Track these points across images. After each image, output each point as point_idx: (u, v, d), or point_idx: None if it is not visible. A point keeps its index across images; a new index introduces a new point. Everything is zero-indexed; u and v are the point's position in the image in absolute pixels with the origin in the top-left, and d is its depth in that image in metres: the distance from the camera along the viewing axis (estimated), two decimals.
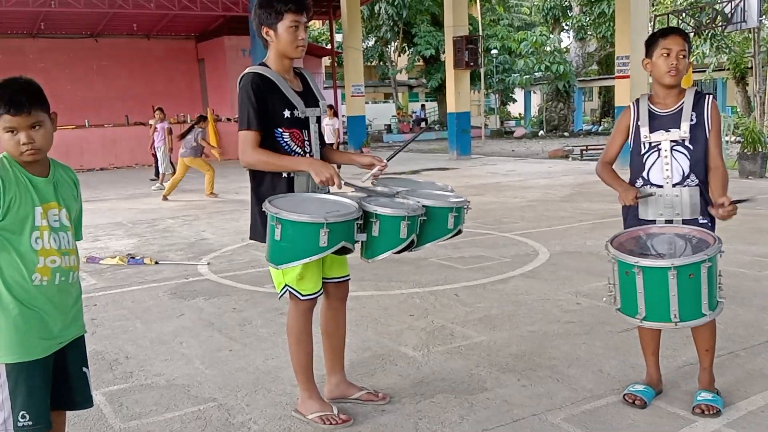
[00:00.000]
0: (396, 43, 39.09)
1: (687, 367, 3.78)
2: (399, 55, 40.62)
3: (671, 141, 3.26)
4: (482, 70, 29.45)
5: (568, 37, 39.58)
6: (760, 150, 13.19)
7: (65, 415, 2.56)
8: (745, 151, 13.31)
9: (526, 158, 20.79)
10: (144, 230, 9.44)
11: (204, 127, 12.81)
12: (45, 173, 2.36)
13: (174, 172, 15.13)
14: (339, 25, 26.61)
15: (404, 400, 3.50)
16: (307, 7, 3.21)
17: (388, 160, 3.36)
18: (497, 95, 39.90)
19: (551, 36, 35.84)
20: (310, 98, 3.32)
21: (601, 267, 6.18)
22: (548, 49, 34.82)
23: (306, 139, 3.26)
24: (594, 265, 6.32)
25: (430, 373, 3.85)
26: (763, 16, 18.85)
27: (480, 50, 21.32)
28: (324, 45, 33.61)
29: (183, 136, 12.74)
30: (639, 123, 3.34)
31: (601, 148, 21.82)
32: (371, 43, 39.37)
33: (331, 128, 16.11)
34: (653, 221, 3.28)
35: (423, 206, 3.13)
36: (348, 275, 3.44)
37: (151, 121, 15.47)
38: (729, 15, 18.35)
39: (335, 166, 3.24)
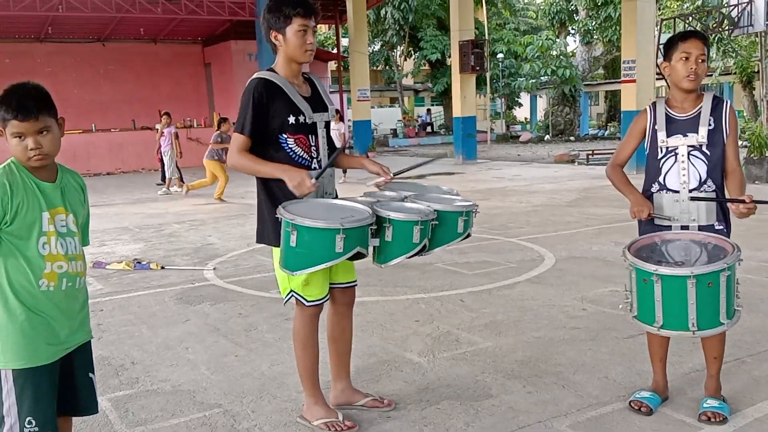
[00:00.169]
0: (402, 48, 39.14)
1: (693, 374, 3.77)
2: (405, 60, 40.65)
3: (688, 146, 3.23)
4: (488, 75, 29.49)
5: (575, 41, 39.58)
6: (766, 154, 13.15)
7: (71, 421, 2.57)
8: (752, 155, 13.28)
9: (532, 163, 20.77)
10: (150, 235, 9.46)
11: (224, 131, 12.81)
12: (52, 178, 2.37)
13: (180, 177, 15.20)
14: (345, 30, 26.65)
15: (409, 407, 3.50)
16: (316, 12, 3.22)
17: (394, 174, 3.37)
18: (503, 99, 39.89)
19: (557, 40, 35.84)
20: (318, 103, 3.32)
21: (607, 272, 6.17)
22: (554, 53, 34.83)
23: (313, 144, 3.27)
24: (600, 270, 6.31)
25: (436, 380, 3.85)
26: None
27: (486, 54, 21.34)
28: (330, 49, 33.71)
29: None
30: (656, 127, 3.32)
31: (608, 153, 21.84)
32: (377, 47, 39.42)
33: (337, 133, 16.12)
34: (668, 227, 3.25)
35: (434, 210, 3.13)
36: (355, 281, 3.44)
37: (158, 126, 15.49)
38: (736, 19, 18.33)
39: (333, 170, 3.24)
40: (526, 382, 3.76)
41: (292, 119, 3.19)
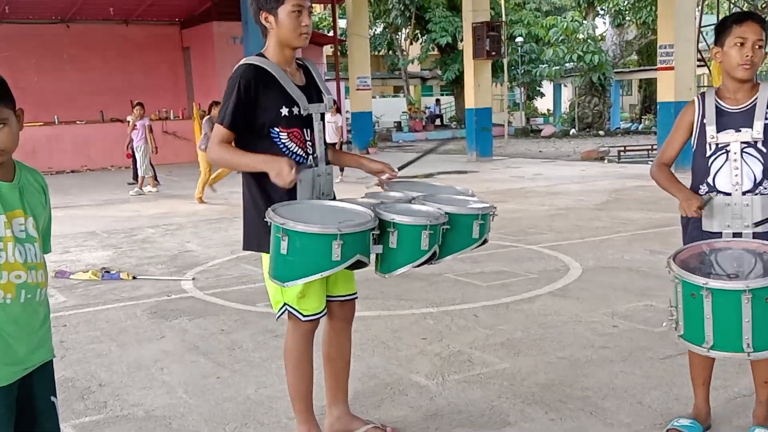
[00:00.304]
0: (407, 30, 39.22)
1: (739, 399, 3.77)
2: (411, 44, 40.73)
3: (742, 142, 3.22)
4: (505, 61, 29.53)
5: (604, 23, 39.67)
6: None
7: None
8: None
9: (556, 160, 20.80)
10: (120, 241, 9.48)
11: (214, 116, 12.88)
12: (9, 177, 2.37)
13: (155, 175, 15.23)
14: (343, 10, 26.71)
15: None
16: None
17: (399, 170, 3.37)
18: (522, 89, 39.94)
19: (584, 22, 35.88)
20: (313, 93, 3.34)
21: (642, 285, 6.17)
22: (581, 36, 34.86)
23: (308, 139, 3.27)
24: (633, 282, 6.31)
25: (445, 405, 3.85)
26: None
27: (503, 38, 21.41)
28: (325, 32, 33.77)
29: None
30: (705, 121, 3.31)
31: (642, 150, 21.84)
32: (379, 29, 39.51)
33: (333, 126, 16.15)
34: (719, 234, 3.24)
35: (445, 213, 3.13)
36: (355, 293, 3.45)
37: (129, 118, 15.51)
38: None
39: (337, 169, 3.25)
40: (548, 409, 3.76)
41: (285, 111, 3.20)
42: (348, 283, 3.40)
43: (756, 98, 3.25)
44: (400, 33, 40.12)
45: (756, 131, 3.21)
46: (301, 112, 3.23)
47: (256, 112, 3.16)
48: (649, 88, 38.40)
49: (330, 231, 2.84)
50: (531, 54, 36.92)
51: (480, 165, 19.27)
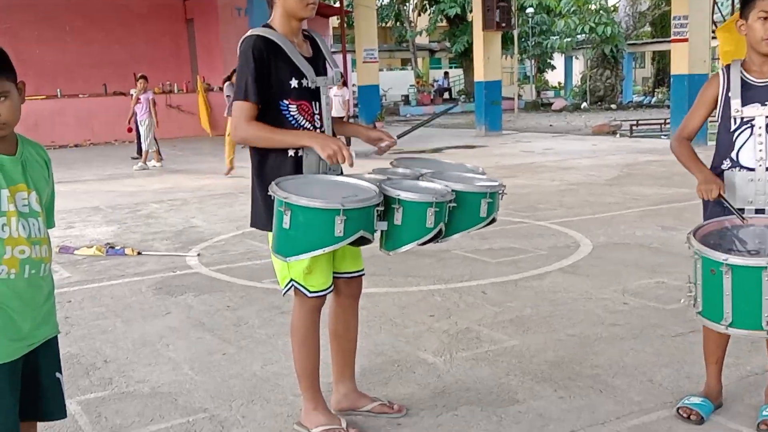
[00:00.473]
0: (415, 1, 38.96)
1: (751, 377, 3.78)
2: (419, 15, 40.48)
3: (767, 117, 3.21)
4: (516, 32, 29.33)
5: None
6: None
7: (36, 426, 2.60)
8: None
9: (567, 135, 20.72)
10: (125, 216, 9.51)
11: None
12: (12, 151, 2.37)
13: (158, 150, 15.23)
14: None
15: (423, 413, 3.52)
16: None
17: (398, 138, 3.35)
18: (533, 61, 39.72)
19: None
20: (321, 65, 3.32)
21: (653, 261, 6.17)
22: (593, 7, 34.62)
23: (316, 112, 3.27)
24: (644, 258, 6.30)
25: (453, 382, 3.87)
26: None
27: (513, 9, 21.25)
28: (332, 3, 33.56)
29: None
30: (729, 94, 3.27)
31: (655, 124, 21.68)
32: (386, 0, 39.24)
33: (340, 99, 16.12)
34: (741, 210, 3.21)
35: (452, 191, 3.12)
36: (362, 270, 3.45)
37: (133, 91, 15.48)
38: None
39: (343, 139, 3.24)
40: (557, 386, 3.78)
41: (294, 83, 3.18)
42: (355, 259, 3.40)
43: None
44: (408, 4, 39.88)
45: None
46: (309, 85, 3.22)
47: (270, 84, 3.15)
48: (662, 60, 38.14)
49: (333, 206, 2.84)
50: (542, 25, 36.68)
51: (489, 140, 19.20)
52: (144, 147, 15.06)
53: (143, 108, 14.89)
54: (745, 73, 3.27)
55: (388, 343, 4.48)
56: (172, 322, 5.08)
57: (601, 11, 34.41)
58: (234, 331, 4.82)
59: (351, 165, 3.12)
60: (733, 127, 3.26)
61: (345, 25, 27.08)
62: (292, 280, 3.20)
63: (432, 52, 46.11)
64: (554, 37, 35.75)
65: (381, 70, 29.66)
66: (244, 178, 12.06)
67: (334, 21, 30.78)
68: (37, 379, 2.46)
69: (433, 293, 5.50)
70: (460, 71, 41.42)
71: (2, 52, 2.32)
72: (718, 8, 19.95)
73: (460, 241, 6.76)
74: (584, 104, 33.61)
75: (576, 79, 42.26)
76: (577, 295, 5.34)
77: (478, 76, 20.73)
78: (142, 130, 14.99)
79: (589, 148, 16.28)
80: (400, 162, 3.56)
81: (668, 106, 23.32)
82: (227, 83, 13.13)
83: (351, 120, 19.58)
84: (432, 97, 37.31)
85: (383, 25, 39.15)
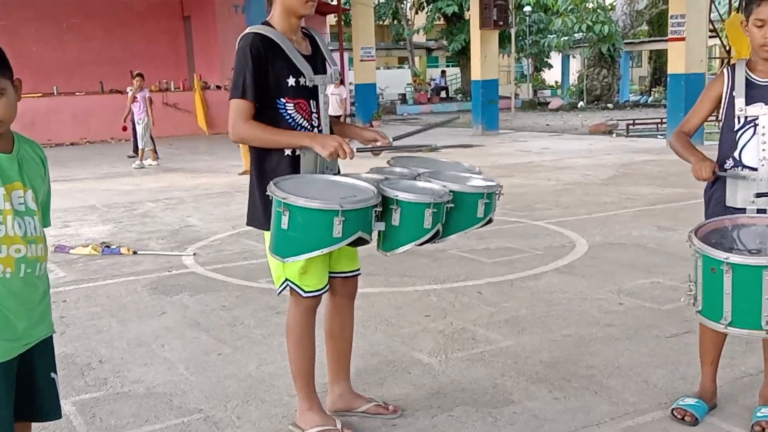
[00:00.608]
0: None
1: (746, 378, 3.79)
2: (416, 13, 40.46)
3: None
4: (513, 31, 29.31)
5: None
6: None
7: (30, 427, 2.60)
8: None
9: (563, 134, 20.73)
10: (121, 215, 9.50)
11: None
12: (8, 149, 2.37)
13: (154, 148, 15.20)
14: None
15: (418, 414, 3.52)
16: None
17: (394, 140, 3.36)
18: (530, 60, 39.72)
19: None
20: (319, 63, 3.32)
21: (649, 261, 6.18)
22: (590, 5, 34.62)
23: (314, 110, 3.26)
24: (640, 259, 6.31)
25: (449, 383, 3.87)
26: None
27: (511, 7, 21.25)
28: (329, 1, 33.53)
29: None
30: (734, 93, 3.27)
31: (652, 123, 21.65)
32: None
33: (337, 98, 16.14)
34: (743, 210, 3.21)
35: (450, 191, 3.13)
36: (358, 269, 3.45)
37: (129, 89, 15.45)
38: None
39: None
40: (552, 387, 3.78)
41: (291, 81, 3.18)
42: (351, 259, 3.40)
43: None
44: (405, 2, 39.84)
45: None
46: (307, 83, 3.22)
47: (267, 82, 3.15)
48: (659, 59, 38.19)
49: (332, 207, 2.84)
50: (539, 24, 36.70)
51: (486, 139, 19.21)
52: (140, 145, 15.03)
53: (140, 107, 14.83)
54: (750, 73, 3.27)
55: (384, 344, 4.49)
56: (168, 322, 5.08)
57: (598, 10, 34.42)
58: (229, 331, 4.82)
59: (351, 158, 3.12)
60: (737, 126, 3.26)
61: (342, 23, 27.07)
62: (287, 279, 3.20)
63: (429, 50, 46.13)
64: (551, 36, 35.77)
65: (378, 68, 29.67)
66: (241, 177, 12.09)
67: (331, 19, 30.73)
68: (32, 379, 2.45)
69: (428, 293, 5.51)
70: (457, 70, 41.45)
71: None
72: (716, 7, 19.97)
73: (456, 240, 6.76)
74: (581, 103, 33.63)
75: (573, 78, 42.33)
76: (573, 295, 5.34)
77: (475, 74, 20.76)
78: (139, 129, 14.90)
79: (586, 148, 16.30)
80: (397, 161, 3.57)
81: (665, 106, 23.34)
82: None
83: (347, 119, 19.58)
84: (429, 96, 37.32)
85: (380, 23, 39.12)
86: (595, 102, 33.81)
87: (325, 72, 3.33)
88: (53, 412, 2.55)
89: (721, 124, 3.35)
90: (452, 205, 3.13)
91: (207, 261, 6.77)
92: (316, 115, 3.27)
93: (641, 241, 6.98)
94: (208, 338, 4.71)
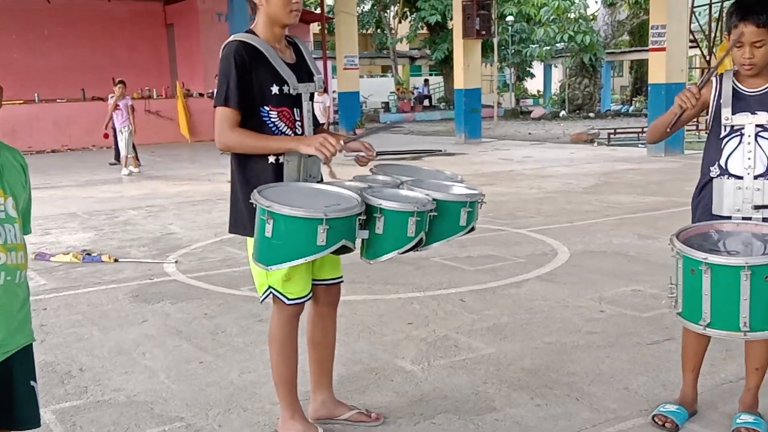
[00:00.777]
0: (396, 8, 39.05)
1: (726, 385, 3.81)
2: (399, 22, 40.56)
3: (757, 125, 3.21)
4: (496, 40, 29.46)
5: (596, 2, 39.56)
6: None
7: None
8: None
9: (545, 142, 20.82)
10: (102, 222, 9.45)
11: None
12: None
13: (136, 156, 15.13)
14: None
15: (400, 421, 3.52)
16: None
17: (368, 133, 3.36)
18: (513, 69, 39.90)
19: (576, 1, 35.83)
20: (303, 72, 3.32)
21: (630, 269, 6.21)
22: (572, 16, 34.83)
23: (297, 119, 3.27)
24: (621, 266, 6.35)
25: (431, 390, 3.87)
26: None
27: (493, 17, 21.35)
28: (313, 9, 33.57)
29: None
30: (720, 102, 3.30)
31: (633, 132, 21.71)
32: (367, 7, 39.32)
33: (321, 106, 16.12)
34: (728, 218, 3.23)
35: (433, 200, 3.13)
36: (341, 277, 3.45)
37: (111, 96, 15.32)
38: None
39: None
40: (534, 394, 3.80)
41: (275, 89, 3.18)
42: (334, 267, 3.40)
43: None
44: (388, 11, 39.93)
45: None
46: (291, 91, 3.22)
47: (251, 90, 3.15)
48: (640, 69, 38.44)
49: (316, 215, 2.84)
50: (521, 33, 36.87)
51: (468, 147, 19.27)
52: (122, 152, 14.93)
53: (122, 115, 14.68)
54: (737, 83, 3.31)
55: (366, 351, 4.49)
56: (149, 330, 5.06)
57: (580, 20, 34.62)
58: (211, 340, 4.80)
59: (340, 150, 3.12)
60: (723, 134, 3.28)
61: (326, 31, 27.11)
62: (270, 287, 3.20)
63: (412, 59, 46.23)
64: (534, 46, 35.94)
65: (361, 76, 29.68)
66: (222, 185, 12.06)
67: (314, 27, 30.76)
68: (11, 388, 2.43)
69: (411, 301, 5.51)
70: (440, 78, 41.57)
71: None
72: (696, 18, 20.16)
73: (439, 248, 6.75)
74: (563, 112, 33.79)
75: (555, 87, 42.52)
76: (554, 302, 5.36)
77: (458, 83, 20.81)
78: (122, 137, 14.77)
79: (567, 157, 16.38)
80: (380, 169, 3.57)
81: (646, 115, 23.52)
82: None
83: (331, 127, 19.59)
84: (412, 104, 37.39)
85: (364, 32, 39.18)
86: (577, 111, 33.99)
87: (309, 80, 3.33)
88: (32, 420, 2.53)
89: (707, 132, 3.38)
90: (435, 214, 3.14)
91: (189, 269, 6.75)
92: (300, 124, 3.27)
93: (622, 249, 7.02)
94: (190, 346, 4.69)
